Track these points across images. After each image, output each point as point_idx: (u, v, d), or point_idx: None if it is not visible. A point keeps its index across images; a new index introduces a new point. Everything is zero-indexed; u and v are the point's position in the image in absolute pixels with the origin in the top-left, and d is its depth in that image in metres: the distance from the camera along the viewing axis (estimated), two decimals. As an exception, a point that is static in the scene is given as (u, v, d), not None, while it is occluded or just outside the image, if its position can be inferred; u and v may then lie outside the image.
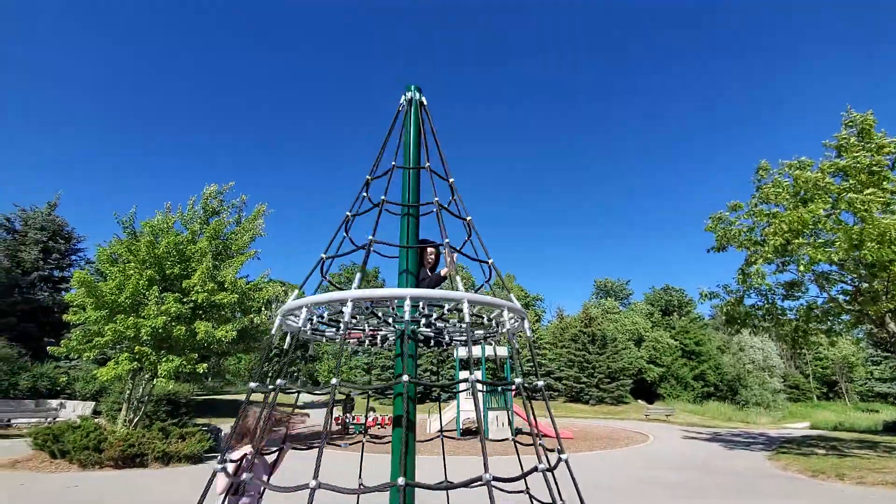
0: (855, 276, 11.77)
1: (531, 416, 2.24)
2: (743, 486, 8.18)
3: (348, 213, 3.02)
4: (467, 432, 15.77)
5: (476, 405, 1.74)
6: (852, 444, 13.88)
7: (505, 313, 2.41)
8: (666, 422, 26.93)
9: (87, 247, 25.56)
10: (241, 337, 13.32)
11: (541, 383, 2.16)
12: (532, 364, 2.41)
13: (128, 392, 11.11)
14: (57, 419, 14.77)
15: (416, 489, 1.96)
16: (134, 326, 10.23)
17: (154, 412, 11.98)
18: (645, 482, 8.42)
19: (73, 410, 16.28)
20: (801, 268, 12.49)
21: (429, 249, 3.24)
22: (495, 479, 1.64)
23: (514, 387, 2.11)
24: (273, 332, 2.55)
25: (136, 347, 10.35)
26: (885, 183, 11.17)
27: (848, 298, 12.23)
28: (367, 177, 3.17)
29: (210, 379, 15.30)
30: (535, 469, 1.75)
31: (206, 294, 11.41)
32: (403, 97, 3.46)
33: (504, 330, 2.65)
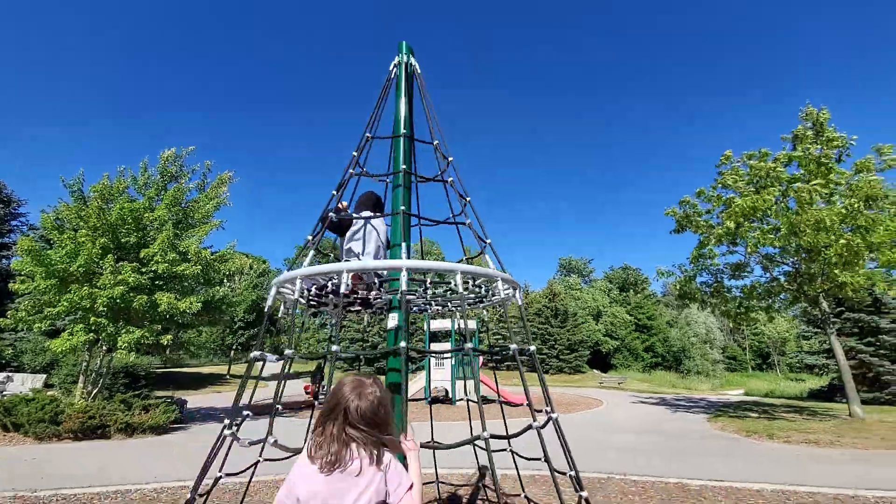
0: (795, 258, 12.87)
1: (530, 386, 2.42)
2: (686, 445, 9.05)
3: (352, 171, 2.99)
4: (435, 400, 16.32)
5: (473, 371, 1.88)
6: (781, 408, 15.53)
7: (500, 284, 2.53)
8: (618, 389, 28.92)
9: (28, 212, 23.69)
10: (206, 309, 12.93)
11: (532, 348, 2.33)
12: (524, 330, 2.54)
13: (84, 364, 10.63)
14: (4, 393, 13.96)
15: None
16: (89, 297, 9.70)
17: (111, 385, 11.59)
18: (600, 443, 9.13)
19: (22, 384, 15.38)
20: (749, 249, 13.51)
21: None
22: (492, 436, 1.81)
23: (508, 353, 2.26)
24: (269, 303, 2.57)
25: (92, 318, 9.86)
26: (830, 175, 12.11)
27: (788, 279, 13.40)
28: (368, 134, 3.14)
29: (169, 351, 14.80)
30: (530, 427, 1.93)
31: (166, 264, 10.93)
32: (395, 60, 3.37)
33: (496, 299, 2.79)
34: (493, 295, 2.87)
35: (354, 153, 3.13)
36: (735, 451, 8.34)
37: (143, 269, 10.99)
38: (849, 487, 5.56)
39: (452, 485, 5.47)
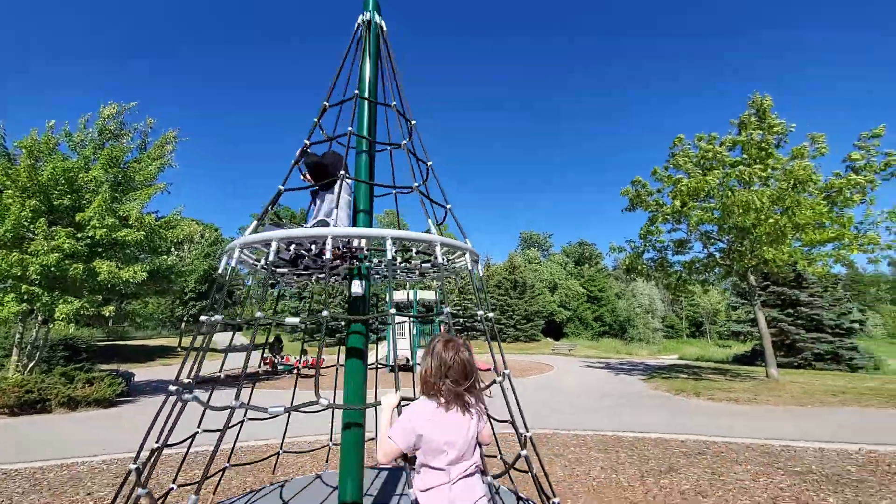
0: (730, 236, 14.03)
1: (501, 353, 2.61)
2: (624, 403, 9.96)
3: (307, 142, 2.93)
4: (399, 368, 16.66)
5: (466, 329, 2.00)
6: (708, 371, 17.26)
7: (468, 256, 2.64)
8: (569, 355, 30.80)
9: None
10: (153, 279, 12.25)
11: (491, 315, 2.50)
12: (484, 299, 2.68)
13: (18, 336, 9.89)
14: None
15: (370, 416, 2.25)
16: (20, 264, 8.93)
17: (49, 358, 10.89)
18: (548, 403, 9.84)
19: (-59, 358, 14.09)
20: (691, 226, 14.54)
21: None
22: None
23: (480, 315, 2.42)
24: (223, 265, 2.52)
25: (24, 287, 9.12)
26: (769, 160, 13.11)
27: (722, 255, 14.62)
28: (325, 102, 3.04)
29: (113, 323, 14.01)
30: (494, 381, 2.13)
31: (105, 230, 10.19)
32: (361, 17, 3.25)
33: (456, 267, 2.91)
34: (454, 265, 2.99)
35: (315, 119, 3.05)
36: (666, 408, 9.27)
37: (80, 235, 10.20)
38: (759, 438, 6.42)
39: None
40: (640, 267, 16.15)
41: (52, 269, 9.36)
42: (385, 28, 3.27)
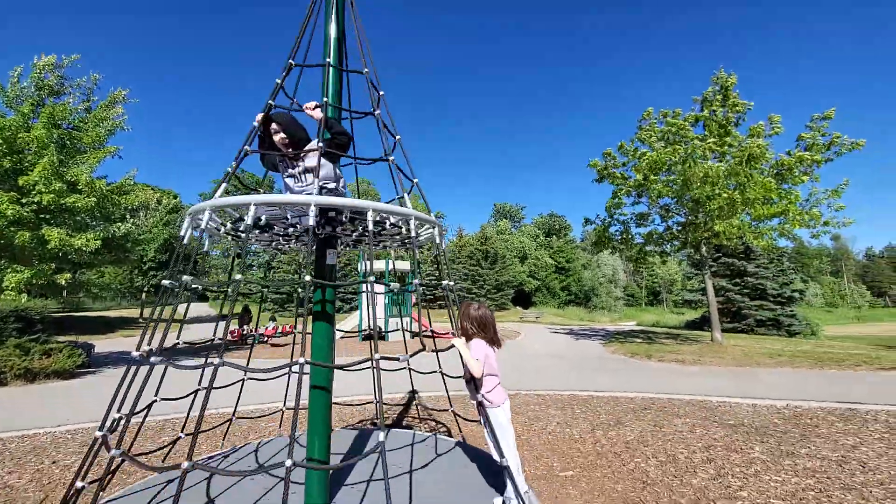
0: (686, 209, 14.74)
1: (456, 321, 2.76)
2: (582, 365, 10.63)
3: (270, 102, 2.86)
4: (369, 337, 16.95)
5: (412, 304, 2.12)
6: (661, 335, 18.48)
7: (435, 230, 2.73)
8: (535, 322, 32.07)
9: None
10: (107, 247, 11.70)
11: (452, 283, 2.64)
12: (446, 269, 2.83)
13: (-39, 307, 9.34)
14: None
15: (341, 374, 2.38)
16: (-43, 231, 8.32)
17: (1, 330, 10.36)
18: (514, 366, 10.36)
19: None
20: (651, 200, 15.13)
21: (272, 127, 2.70)
22: (383, 358, 2.13)
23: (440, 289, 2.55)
24: (186, 229, 2.50)
25: (-36, 256, 8.54)
26: (727, 137, 13.65)
27: (680, 228, 15.39)
28: (291, 61, 2.94)
29: (67, 293, 13.38)
30: (452, 346, 2.30)
31: (52, 195, 9.57)
32: None
33: (421, 239, 3.00)
34: (419, 237, 3.09)
35: (278, 81, 2.95)
36: (620, 369, 9.98)
37: (24, 201, 9.54)
38: (700, 394, 7.06)
39: (388, 404, 6.02)
40: (605, 240, 16.78)
41: (-5, 236, 8.79)
42: (351, -11, 3.16)
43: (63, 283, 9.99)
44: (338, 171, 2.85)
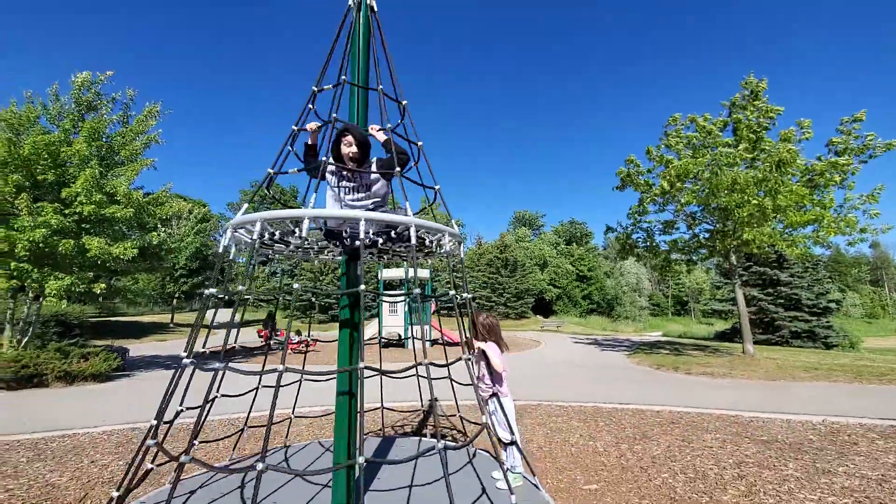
0: (714, 217, 14.33)
1: (467, 330, 2.78)
2: (607, 376, 10.40)
3: (294, 128, 3.00)
4: (389, 344, 17.07)
5: (426, 315, 2.18)
6: (689, 346, 17.91)
7: (446, 237, 2.79)
8: (557, 332, 31.56)
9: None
10: (143, 255, 12.23)
11: (469, 296, 2.68)
12: (463, 279, 2.86)
13: (9, 312, 9.91)
14: None
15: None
16: (7, 240, 8.86)
17: (42, 333, 10.96)
18: (535, 377, 10.24)
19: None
20: (678, 207, 14.79)
21: (347, 139, 2.77)
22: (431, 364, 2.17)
23: (459, 299, 2.61)
24: (227, 239, 2.63)
25: (13, 264, 9.08)
26: (759, 143, 13.28)
27: (708, 236, 14.96)
28: (314, 88, 3.09)
29: (103, 299, 14.00)
30: (460, 358, 2.33)
31: (93, 206, 10.09)
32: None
33: (443, 251, 3.06)
34: (441, 248, 3.15)
35: (311, 106, 3.09)
36: (645, 381, 9.72)
37: (67, 211, 10.10)
38: (730, 409, 6.80)
39: (397, 411, 6.08)
40: (633, 247, 16.48)
41: (41, 245, 9.31)
42: (376, 9, 3.28)
43: (100, 290, 10.47)
44: (389, 187, 2.97)
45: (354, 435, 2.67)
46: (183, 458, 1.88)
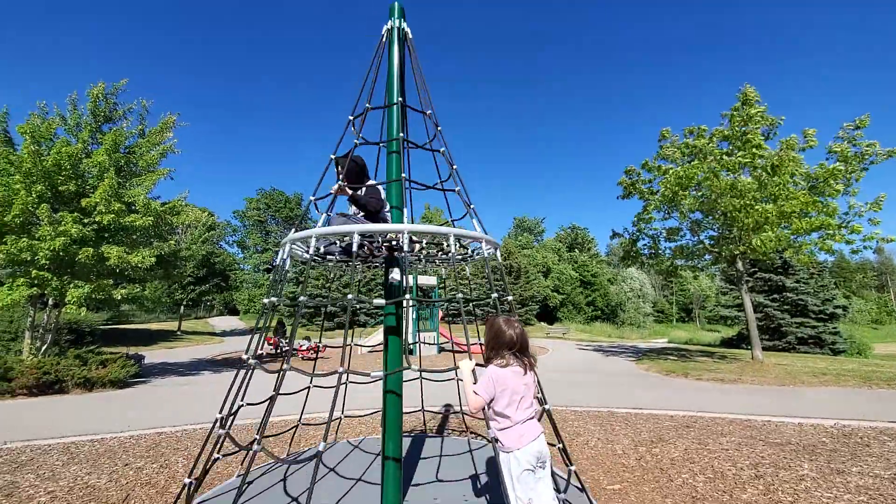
0: (718, 223, 14.48)
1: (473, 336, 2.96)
2: (616, 382, 10.50)
3: (332, 156, 3.22)
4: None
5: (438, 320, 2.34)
6: (696, 353, 17.96)
7: (484, 244, 2.97)
8: (562, 339, 31.59)
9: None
10: (160, 263, 12.44)
11: (510, 297, 2.86)
12: (502, 283, 2.95)
13: (29, 319, 10.11)
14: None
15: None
16: (29, 249, 9.08)
17: (57, 341, 11.13)
18: (549, 382, 10.31)
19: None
20: (681, 215, 14.96)
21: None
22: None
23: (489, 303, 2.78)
24: (283, 256, 2.83)
25: (35, 272, 9.30)
26: (754, 149, 13.47)
27: (713, 242, 15.10)
28: (350, 117, 3.32)
29: (119, 307, 14.20)
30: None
31: (112, 216, 10.32)
32: (387, 24, 3.45)
33: (478, 257, 3.25)
34: (477, 254, 3.34)
35: (351, 117, 3.28)
36: (656, 387, 9.82)
37: (86, 221, 10.33)
38: (743, 414, 6.92)
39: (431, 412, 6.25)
40: (636, 254, 16.62)
41: (61, 253, 9.53)
42: (410, 35, 3.50)
43: (118, 297, 10.67)
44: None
45: (400, 431, 2.84)
46: (255, 448, 2.05)
